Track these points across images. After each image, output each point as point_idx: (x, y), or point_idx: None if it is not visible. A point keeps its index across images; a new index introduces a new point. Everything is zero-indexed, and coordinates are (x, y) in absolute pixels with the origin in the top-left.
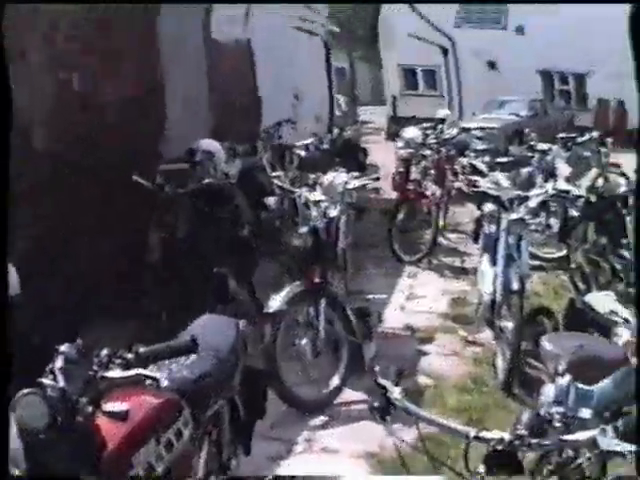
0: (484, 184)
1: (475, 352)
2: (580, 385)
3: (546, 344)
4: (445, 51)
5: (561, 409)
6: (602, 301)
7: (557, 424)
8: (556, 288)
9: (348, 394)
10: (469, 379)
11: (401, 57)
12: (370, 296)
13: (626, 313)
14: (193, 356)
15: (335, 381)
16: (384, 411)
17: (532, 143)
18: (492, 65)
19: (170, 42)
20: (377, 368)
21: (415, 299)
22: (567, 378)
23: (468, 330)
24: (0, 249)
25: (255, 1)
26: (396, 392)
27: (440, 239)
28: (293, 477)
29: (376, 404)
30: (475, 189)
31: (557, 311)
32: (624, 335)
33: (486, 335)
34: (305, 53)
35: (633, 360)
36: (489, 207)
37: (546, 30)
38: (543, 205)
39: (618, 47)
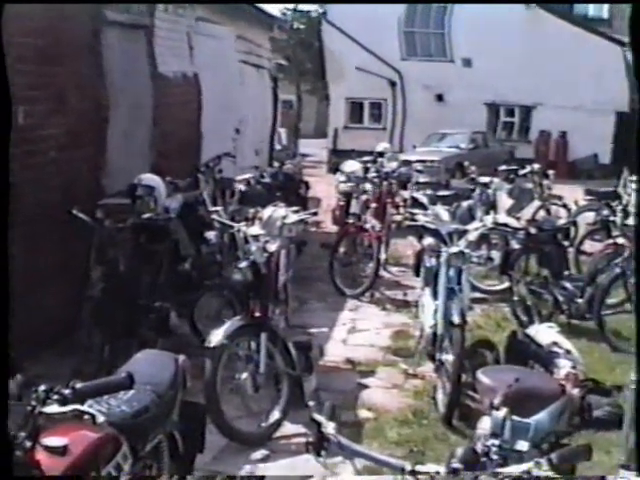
0: (422, 218)
1: (416, 385)
2: (516, 418)
3: (482, 377)
4: (393, 84)
5: (497, 442)
6: (544, 333)
7: (494, 457)
8: (498, 320)
9: (289, 428)
10: (410, 412)
11: (349, 90)
12: (312, 330)
13: (568, 345)
14: (132, 391)
15: (276, 415)
16: (319, 446)
17: (473, 176)
18: (440, 97)
19: (116, 77)
20: (312, 403)
21: (357, 332)
22: (503, 411)
23: (409, 363)
24: (0, 249)
25: (256, 1)
26: (330, 427)
27: (382, 272)
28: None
29: (311, 439)
30: (413, 223)
31: (499, 343)
32: (565, 366)
33: (427, 368)
34: (251, 86)
35: (575, 391)
36: (429, 240)
37: (493, 63)
38: (485, 238)
39: (562, 80)
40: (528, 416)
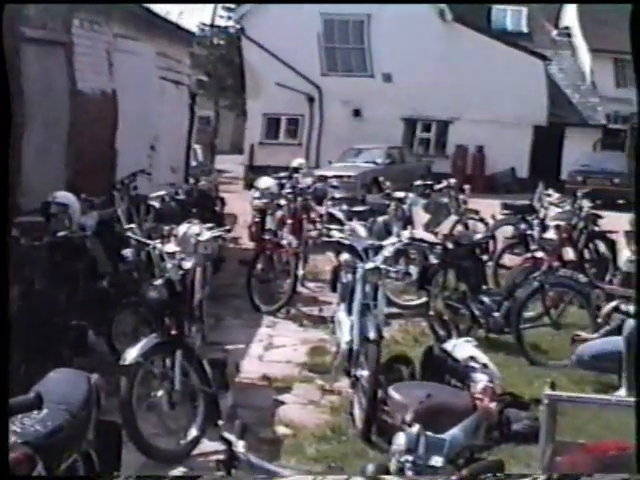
0: (337, 234)
1: (332, 401)
2: (430, 434)
3: (394, 394)
4: (311, 99)
5: (412, 458)
6: (461, 347)
7: (409, 473)
8: (416, 335)
9: (207, 445)
10: (327, 428)
11: (267, 106)
12: (228, 346)
13: (485, 359)
14: (45, 410)
15: (193, 432)
16: (229, 464)
17: (388, 191)
18: (357, 113)
19: (34, 93)
20: (221, 422)
21: (273, 349)
22: (417, 427)
23: (326, 379)
24: (0, 248)
25: (257, 1)
26: (240, 446)
27: (300, 288)
28: None
29: (221, 457)
30: (329, 239)
31: (416, 358)
32: (482, 381)
33: (344, 384)
34: (169, 103)
35: (492, 405)
36: (345, 256)
37: (412, 77)
38: (402, 253)
39: (480, 94)
40: (442, 431)
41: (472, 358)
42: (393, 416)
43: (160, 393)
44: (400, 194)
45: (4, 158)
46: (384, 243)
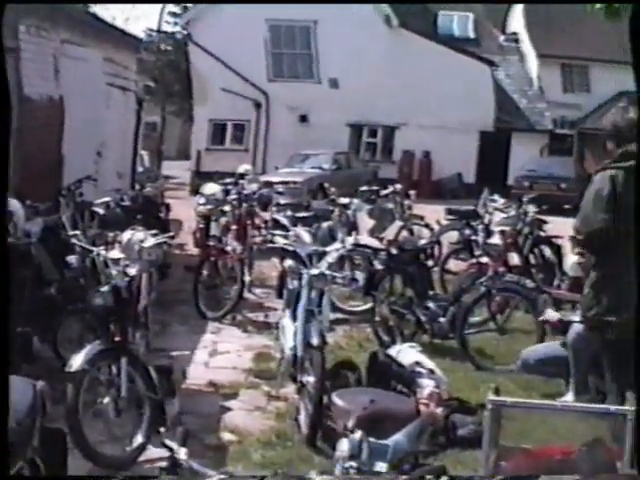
0: (280, 240)
1: (278, 407)
2: (373, 440)
3: (337, 400)
4: (258, 105)
5: (355, 464)
6: (406, 353)
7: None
8: (361, 341)
9: (152, 451)
10: (273, 434)
11: (213, 111)
12: (174, 353)
13: (430, 364)
14: None
15: (139, 439)
16: (171, 471)
17: (333, 197)
18: (303, 118)
19: None
20: (162, 430)
21: (219, 355)
22: (359, 433)
23: (271, 385)
24: (1, 250)
25: (258, 1)
26: (182, 453)
27: (247, 294)
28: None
29: (163, 464)
30: (272, 245)
31: (361, 364)
32: (428, 386)
33: (289, 390)
34: (116, 109)
35: (438, 411)
36: (289, 262)
37: (359, 83)
38: (348, 258)
39: (427, 100)
40: (385, 437)
41: (418, 363)
42: (336, 422)
43: (106, 400)
44: (345, 200)
45: (4, 158)
46: (328, 249)
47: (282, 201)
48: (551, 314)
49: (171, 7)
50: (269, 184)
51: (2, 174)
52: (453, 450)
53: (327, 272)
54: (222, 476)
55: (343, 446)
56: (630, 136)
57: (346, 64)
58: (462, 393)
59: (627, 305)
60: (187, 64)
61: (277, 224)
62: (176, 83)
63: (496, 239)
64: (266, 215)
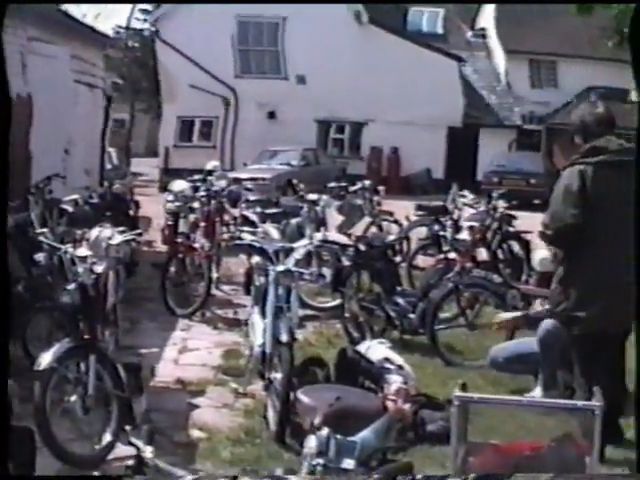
0: (248, 237)
1: (246, 404)
2: (340, 437)
3: (302, 397)
4: (226, 101)
5: (323, 461)
6: (375, 349)
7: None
8: (330, 338)
9: (121, 449)
10: (242, 431)
11: (181, 108)
12: (143, 350)
13: (399, 360)
14: None
15: (107, 437)
16: (137, 470)
17: (302, 193)
18: (272, 115)
19: None
20: (128, 428)
21: (188, 352)
22: (326, 430)
23: (240, 382)
24: (1, 248)
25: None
26: (148, 451)
27: (215, 291)
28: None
29: (129, 463)
30: (240, 242)
31: (330, 361)
32: (396, 382)
33: (258, 387)
34: (84, 106)
35: (406, 406)
36: (256, 259)
37: (327, 79)
38: (316, 255)
39: (395, 95)
40: (353, 434)
41: (387, 359)
42: (303, 419)
43: (74, 398)
44: (313, 196)
45: (4, 158)
46: (295, 245)
47: (251, 198)
48: (502, 316)
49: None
50: (238, 181)
51: (2, 174)
52: (422, 446)
53: (294, 269)
54: (195, 476)
55: (311, 443)
56: (597, 131)
57: (314, 60)
58: (431, 389)
59: (595, 300)
60: (154, 61)
61: (246, 221)
62: (144, 80)
63: (464, 235)
64: (235, 212)
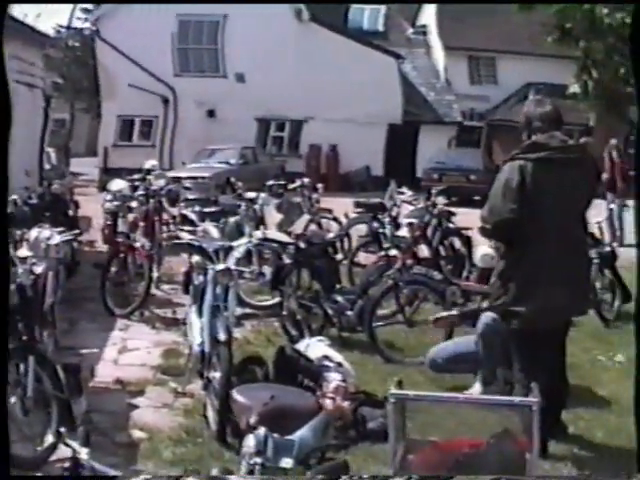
0: (186, 236)
1: (186, 404)
2: (278, 436)
3: (237, 396)
4: (165, 100)
5: (261, 460)
6: (314, 347)
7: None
8: (269, 336)
9: (64, 451)
10: (182, 431)
11: (120, 107)
12: (83, 351)
13: (339, 358)
14: None
15: (49, 439)
16: (74, 471)
17: (240, 191)
18: (211, 113)
19: None
20: (63, 430)
21: (127, 352)
22: (263, 429)
23: (179, 381)
24: (1, 250)
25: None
26: (84, 452)
27: (155, 290)
28: None
29: (66, 464)
30: (179, 241)
31: (269, 359)
32: (335, 380)
33: (197, 386)
34: (23, 106)
35: (345, 404)
36: (195, 258)
37: (266, 77)
38: (257, 253)
39: (334, 93)
40: (290, 433)
41: (326, 357)
42: (239, 419)
43: (13, 400)
44: (252, 194)
45: (4, 157)
46: (234, 244)
47: (190, 196)
48: (442, 313)
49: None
50: (177, 179)
51: (2, 174)
52: (363, 444)
53: (232, 267)
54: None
55: (249, 442)
56: (542, 127)
57: (254, 58)
58: (371, 386)
59: (533, 295)
60: (94, 60)
61: (185, 219)
62: (85, 80)
63: (404, 231)
64: (174, 211)
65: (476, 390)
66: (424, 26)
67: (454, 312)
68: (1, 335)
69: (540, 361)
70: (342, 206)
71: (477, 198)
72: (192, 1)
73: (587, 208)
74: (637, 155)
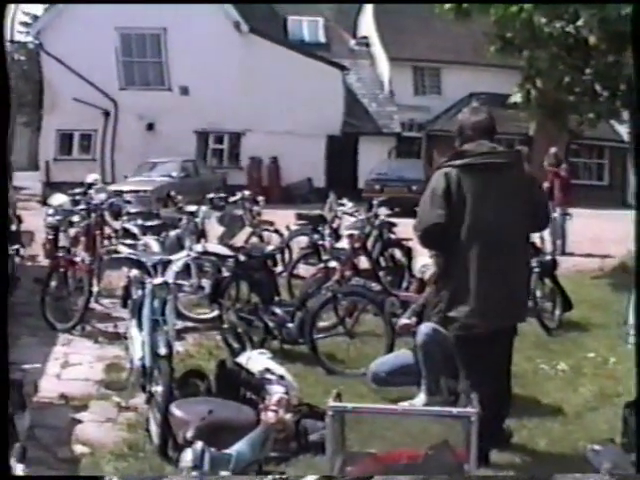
0: (125, 250)
1: (129, 418)
2: (214, 450)
3: (175, 411)
4: (107, 114)
5: (198, 474)
6: (256, 360)
7: None
8: (211, 349)
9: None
10: (125, 445)
11: (61, 121)
12: (25, 366)
13: (281, 370)
14: None
15: None
16: None
17: (180, 205)
18: (150, 126)
19: None
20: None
21: (70, 367)
22: (200, 444)
23: (122, 396)
24: (1, 251)
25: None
26: (19, 469)
27: (95, 305)
28: None
29: None
30: (117, 255)
31: (211, 372)
32: (277, 392)
33: (140, 400)
34: None
35: (288, 416)
36: (134, 272)
37: (209, 90)
38: (198, 266)
39: (275, 105)
40: (228, 447)
41: (267, 370)
42: (176, 433)
43: None
44: (192, 207)
45: (4, 157)
46: (173, 258)
47: (132, 210)
48: (405, 320)
49: (22, 17)
50: (119, 193)
51: (2, 174)
52: (305, 456)
53: (170, 281)
54: None
55: (186, 457)
56: (472, 136)
57: (197, 71)
58: (314, 398)
59: (466, 300)
60: (40, 74)
61: (128, 233)
62: (29, 93)
63: (344, 243)
64: (116, 224)
65: (420, 401)
66: (365, 37)
67: (415, 319)
68: (1, 334)
69: (483, 369)
70: (284, 218)
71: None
72: (193, 1)
73: (528, 215)
74: (637, 156)
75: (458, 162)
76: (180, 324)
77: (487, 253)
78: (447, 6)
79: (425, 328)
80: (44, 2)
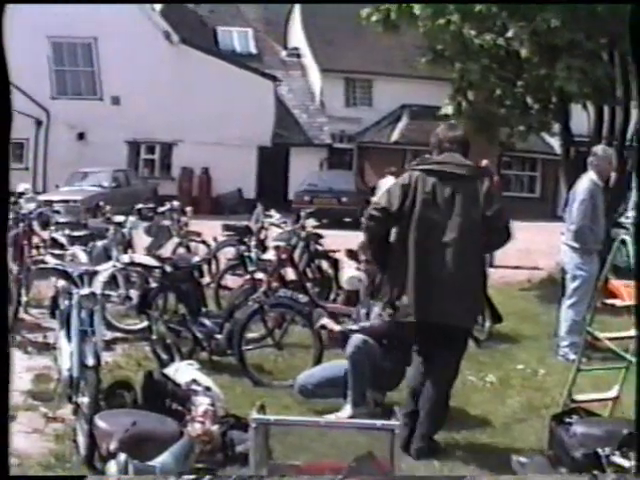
0: (51, 260)
1: (56, 429)
2: (138, 462)
3: (99, 422)
4: (39, 123)
5: None
6: (183, 371)
7: None
8: (140, 360)
9: None
10: (52, 456)
11: None
12: None
13: (208, 381)
14: None
15: None
16: None
17: (108, 215)
18: (81, 136)
19: None
20: None
21: None
22: (124, 455)
23: (49, 407)
24: (1, 249)
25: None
26: None
27: (24, 315)
28: None
29: None
30: (44, 265)
31: (139, 384)
32: (203, 404)
33: (68, 411)
34: None
35: (214, 428)
36: (61, 282)
37: (141, 100)
38: (124, 277)
39: (206, 116)
40: (152, 459)
41: (194, 381)
42: (100, 445)
43: None
44: (120, 218)
45: (4, 157)
46: (99, 268)
47: (61, 220)
48: (326, 320)
49: None
50: (49, 203)
51: (2, 174)
52: (232, 467)
53: (97, 292)
54: None
55: (111, 468)
56: (451, 148)
57: (129, 81)
58: (241, 410)
59: (405, 292)
60: None
61: (56, 243)
62: None
63: (270, 254)
64: (45, 234)
65: (346, 413)
66: (297, 48)
67: (352, 326)
68: (1, 334)
69: (416, 356)
70: (212, 229)
71: (348, 220)
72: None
73: (479, 230)
74: (638, 160)
75: (421, 166)
76: (109, 335)
77: (427, 252)
78: (374, 18)
79: (356, 340)
80: (44, 2)
